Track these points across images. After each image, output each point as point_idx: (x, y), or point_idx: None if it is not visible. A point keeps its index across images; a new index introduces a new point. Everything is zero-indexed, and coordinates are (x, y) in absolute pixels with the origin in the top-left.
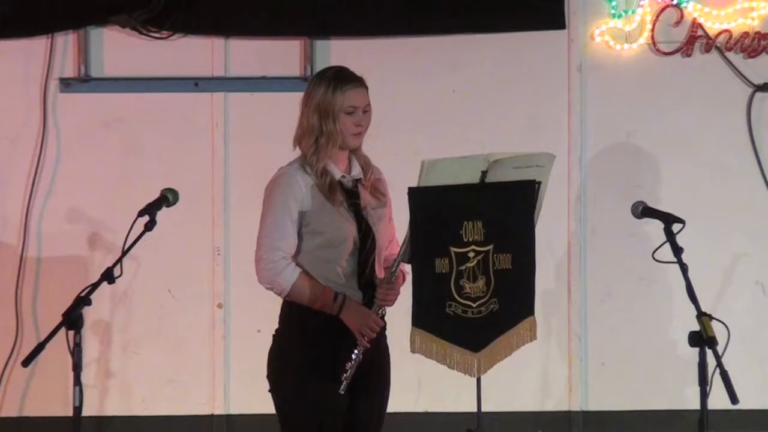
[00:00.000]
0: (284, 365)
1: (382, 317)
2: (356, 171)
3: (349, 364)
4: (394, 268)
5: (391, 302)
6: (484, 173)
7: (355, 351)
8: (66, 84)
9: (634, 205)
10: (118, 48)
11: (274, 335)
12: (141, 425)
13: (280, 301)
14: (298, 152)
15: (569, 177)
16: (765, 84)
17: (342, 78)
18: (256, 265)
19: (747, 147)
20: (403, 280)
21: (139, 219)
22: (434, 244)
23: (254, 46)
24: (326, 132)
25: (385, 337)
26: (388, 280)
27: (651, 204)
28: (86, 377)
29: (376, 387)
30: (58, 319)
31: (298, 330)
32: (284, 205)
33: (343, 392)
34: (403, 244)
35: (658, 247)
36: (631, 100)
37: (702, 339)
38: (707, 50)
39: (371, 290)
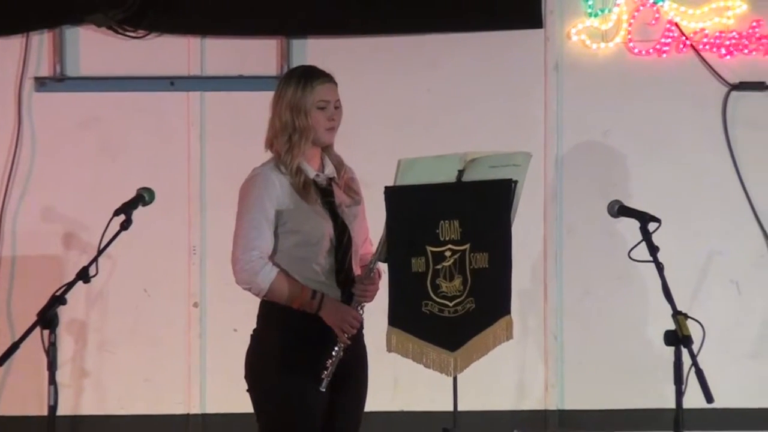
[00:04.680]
0: (263, 365)
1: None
2: (329, 170)
3: (329, 362)
4: (372, 264)
5: (371, 298)
6: (460, 172)
7: (336, 348)
8: (41, 83)
9: (610, 204)
10: (93, 47)
11: (252, 335)
12: (116, 425)
13: (256, 300)
14: (271, 153)
15: (545, 176)
16: (740, 83)
17: (310, 75)
18: (233, 266)
19: (722, 146)
20: (379, 277)
21: (115, 218)
22: (410, 243)
23: (230, 45)
24: (299, 128)
25: (362, 336)
26: (366, 276)
27: (627, 203)
28: (61, 376)
29: (353, 386)
30: (33, 318)
31: (277, 329)
32: (260, 205)
33: (324, 389)
34: (380, 241)
35: (634, 246)
36: (608, 98)
37: (677, 338)
38: (683, 49)
39: (350, 287)
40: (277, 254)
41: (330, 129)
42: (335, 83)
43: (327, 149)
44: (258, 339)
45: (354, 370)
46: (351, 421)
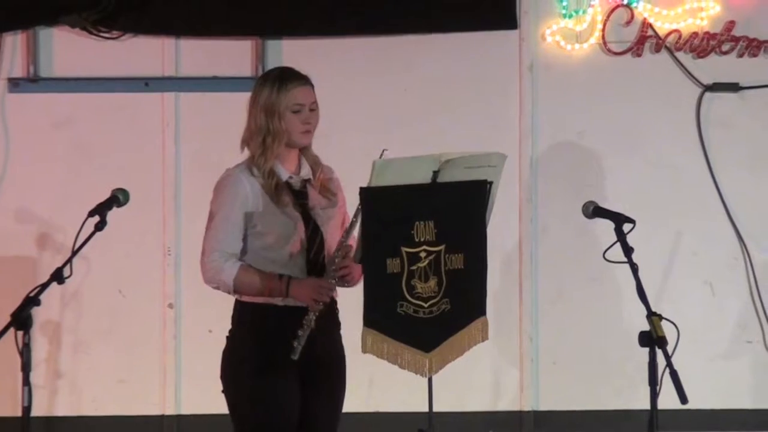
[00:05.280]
0: (236, 365)
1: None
2: (305, 171)
3: (300, 332)
4: (344, 240)
5: (349, 277)
6: (435, 173)
7: (307, 316)
8: (14, 84)
9: (584, 204)
10: (67, 48)
11: (227, 336)
12: (91, 426)
13: (231, 301)
14: (246, 156)
15: (520, 177)
16: (714, 84)
17: (286, 77)
18: (201, 268)
19: (696, 147)
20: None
21: (90, 219)
22: (385, 244)
23: (205, 46)
24: (273, 131)
25: (340, 336)
26: (339, 249)
27: (602, 203)
28: (36, 378)
29: (330, 387)
30: (7, 319)
31: (250, 330)
32: (228, 207)
33: (295, 358)
34: (350, 225)
35: (609, 247)
36: (582, 99)
37: (652, 339)
38: (657, 50)
39: None
40: (247, 255)
41: (305, 132)
42: (311, 85)
43: (304, 150)
44: (232, 339)
45: (331, 372)
46: (326, 424)
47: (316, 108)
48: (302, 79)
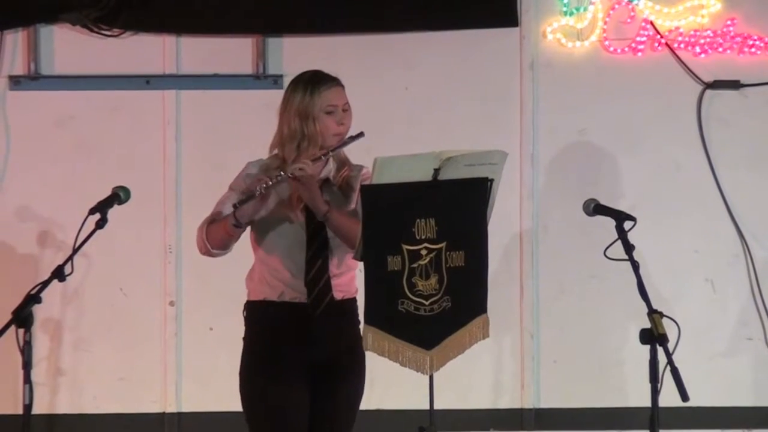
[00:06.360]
0: (245, 364)
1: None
2: (326, 171)
3: (244, 197)
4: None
5: (304, 171)
6: (436, 171)
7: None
8: (16, 82)
9: (585, 202)
10: (68, 45)
11: (243, 336)
12: (92, 423)
13: (232, 299)
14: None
15: (521, 174)
16: (715, 81)
17: (317, 80)
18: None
19: (697, 144)
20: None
21: (91, 217)
22: (386, 242)
23: (206, 44)
24: (308, 135)
25: (358, 335)
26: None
27: (603, 201)
28: (37, 375)
29: (341, 388)
30: (8, 317)
31: (254, 329)
32: (228, 192)
33: (237, 207)
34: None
35: (610, 245)
36: (583, 97)
37: (653, 336)
38: (658, 48)
39: (320, 288)
40: (253, 246)
41: (337, 134)
42: (342, 86)
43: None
44: (244, 339)
45: (344, 372)
46: (339, 424)
47: (348, 108)
48: (333, 81)
